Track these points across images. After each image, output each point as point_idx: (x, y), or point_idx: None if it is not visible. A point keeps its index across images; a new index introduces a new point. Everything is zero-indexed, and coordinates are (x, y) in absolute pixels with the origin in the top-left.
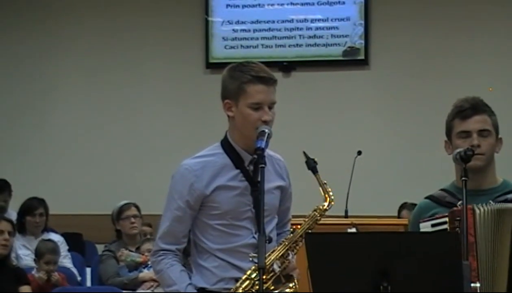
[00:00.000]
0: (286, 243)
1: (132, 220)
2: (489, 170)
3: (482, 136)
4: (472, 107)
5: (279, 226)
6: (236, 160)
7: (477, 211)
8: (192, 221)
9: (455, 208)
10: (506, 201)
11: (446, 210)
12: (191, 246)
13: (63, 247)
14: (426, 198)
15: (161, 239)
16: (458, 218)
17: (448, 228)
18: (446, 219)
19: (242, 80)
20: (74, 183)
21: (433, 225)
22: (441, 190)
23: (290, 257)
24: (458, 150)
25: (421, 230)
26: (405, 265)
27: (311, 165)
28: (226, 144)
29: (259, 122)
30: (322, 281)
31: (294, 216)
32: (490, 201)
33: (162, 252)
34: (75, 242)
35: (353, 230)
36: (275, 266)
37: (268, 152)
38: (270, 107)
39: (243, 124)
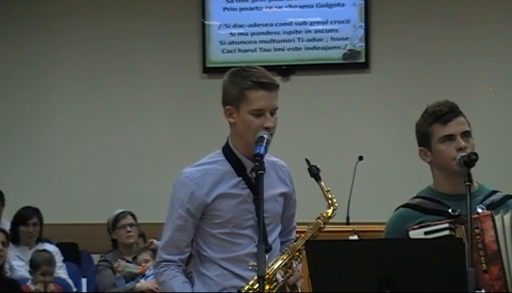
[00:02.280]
0: (289, 252)
1: (128, 229)
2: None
3: (465, 138)
4: (450, 111)
5: (283, 234)
6: (238, 167)
7: (496, 218)
8: (194, 230)
9: (462, 214)
10: (492, 203)
11: (435, 218)
12: (194, 255)
13: (58, 258)
14: (404, 206)
15: (164, 249)
16: (476, 226)
17: (465, 236)
18: (446, 225)
19: (243, 86)
20: (69, 191)
21: (426, 233)
22: (418, 197)
23: (294, 266)
24: (461, 154)
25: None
26: (408, 273)
27: (314, 172)
28: (227, 151)
29: (261, 129)
30: (323, 289)
31: (296, 224)
32: (480, 205)
33: (164, 263)
34: (71, 252)
35: (355, 237)
36: (278, 276)
37: (270, 158)
38: (272, 113)
39: (244, 131)
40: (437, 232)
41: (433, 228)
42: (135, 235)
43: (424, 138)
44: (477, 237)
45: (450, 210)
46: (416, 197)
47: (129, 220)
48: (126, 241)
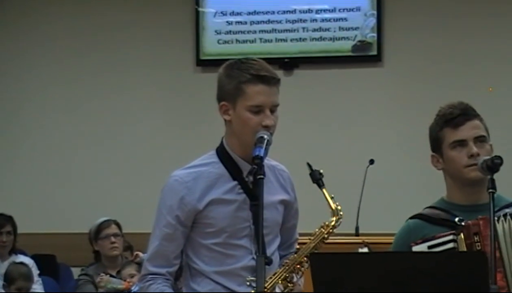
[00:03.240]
0: (289, 264)
1: (112, 239)
2: (486, 181)
3: (479, 143)
4: (463, 113)
5: (284, 247)
6: (233, 170)
7: (497, 224)
8: (184, 239)
9: (469, 222)
10: (506, 216)
11: (440, 229)
12: (184, 269)
13: (34, 271)
14: (414, 217)
15: (150, 261)
16: (476, 232)
17: (465, 245)
18: (451, 237)
19: (240, 79)
20: (46, 197)
21: (430, 247)
22: (429, 207)
23: (295, 280)
24: (484, 158)
25: None
26: (424, 289)
27: (316, 178)
28: (222, 153)
29: (259, 127)
30: None
31: (298, 235)
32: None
33: (150, 276)
34: (47, 265)
35: (365, 249)
36: (278, 290)
37: (270, 161)
38: (272, 111)
39: (241, 130)
40: (441, 246)
41: (437, 241)
42: (119, 247)
43: (435, 144)
44: (477, 244)
45: (457, 219)
46: (427, 207)
47: (113, 229)
48: (110, 253)
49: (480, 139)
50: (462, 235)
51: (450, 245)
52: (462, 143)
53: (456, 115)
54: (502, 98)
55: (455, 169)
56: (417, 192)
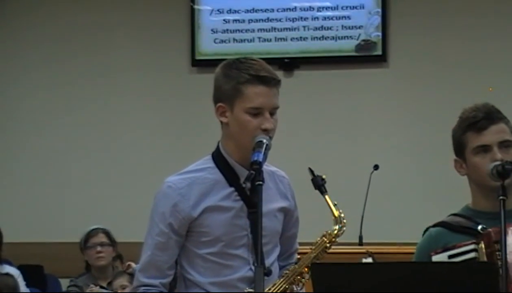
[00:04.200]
0: (289, 275)
1: (98, 248)
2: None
3: (504, 148)
4: (487, 117)
5: (283, 257)
6: (230, 175)
7: None
8: (178, 249)
9: (490, 229)
10: None
11: (461, 237)
12: (178, 280)
13: (20, 282)
14: (436, 225)
15: (142, 272)
16: (497, 241)
17: (485, 254)
18: (472, 246)
19: (239, 80)
20: (33, 205)
21: (450, 256)
22: (453, 214)
23: (295, 290)
24: (494, 163)
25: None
26: None
27: (319, 184)
28: (218, 157)
29: (258, 131)
30: None
31: (298, 245)
32: None
33: (143, 287)
34: (34, 276)
35: (369, 260)
36: None
37: (269, 167)
38: (271, 113)
39: (239, 133)
40: (462, 255)
41: (458, 250)
42: (106, 257)
43: (458, 148)
44: (498, 253)
45: (479, 227)
46: (451, 214)
47: (100, 238)
48: (95, 263)
49: (505, 144)
50: (482, 243)
51: (472, 255)
52: (485, 148)
53: (480, 119)
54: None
55: (478, 176)
56: (425, 200)
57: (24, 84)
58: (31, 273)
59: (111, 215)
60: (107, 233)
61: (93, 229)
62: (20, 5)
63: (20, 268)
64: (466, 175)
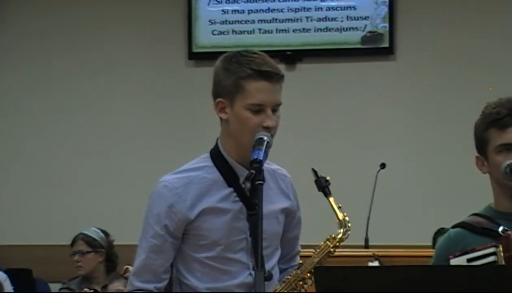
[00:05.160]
0: (291, 281)
1: (76, 257)
2: None
3: None
4: (511, 113)
5: (285, 260)
6: (229, 175)
7: None
8: (174, 252)
9: (510, 232)
10: None
11: (481, 239)
12: (174, 284)
13: (7, 287)
14: (457, 226)
15: (136, 275)
16: None
17: (503, 258)
18: (492, 250)
19: (239, 74)
20: (21, 206)
21: (469, 260)
22: (474, 214)
23: None
24: (508, 162)
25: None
26: None
27: (322, 185)
28: (216, 156)
29: (259, 128)
30: None
31: (301, 247)
32: None
33: (137, 292)
34: (23, 280)
35: (376, 263)
36: None
37: (270, 165)
38: (274, 110)
39: (239, 130)
40: (481, 259)
41: (477, 254)
42: (85, 266)
43: (480, 145)
44: None
45: (500, 229)
46: (472, 214)
47: (78, 246)
48: (76, 272)
49: None
50: (501, 246)
51: (491, 258)
52: (508, 147)
53: (503, 116)
54: None
55: (500, 175)
56: (435, 200)
57: (15, 80)
58: (19, 277)
59: (104, 216)
60: (87, 239)
61: (76, 235)
62: (12, 0)
63: (7, 272)
64: (488, 173)
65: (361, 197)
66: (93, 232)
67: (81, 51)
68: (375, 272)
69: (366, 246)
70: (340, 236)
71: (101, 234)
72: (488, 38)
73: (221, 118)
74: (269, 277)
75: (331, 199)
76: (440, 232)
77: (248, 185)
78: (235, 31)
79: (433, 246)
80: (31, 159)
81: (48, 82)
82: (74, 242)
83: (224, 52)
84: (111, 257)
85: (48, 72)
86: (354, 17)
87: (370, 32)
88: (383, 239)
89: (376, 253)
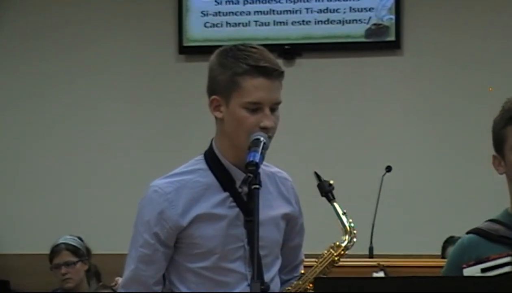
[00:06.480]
0: (292, 292)
1: (63, 270)
2: None
3: None
4: None
5: (286, 270)
6: (225, 179)
7: None
8: (166, 262)
9: None
10: None
11: (498, 247)
12: None
13: None
14: (471, 232)
15: (125, 287)
16: None
17: None
18: (508, 259)
19: (236, 70)
20: None
21: (483, 270)
22: (490, 220)
23: None
24: None
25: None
26: None
27: (325, 189)
28: (211, 158)
29: (256, 128)
30: None
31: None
32: None
33: None
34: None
35: (381, 274)
36: None
37: (269, 168)
38: (272, 109)
39: (234, 130)
40: (496, 268)
41: (491, 264)
42: (74, 277)
43: (497, 143)
44: None
45: None
46: (488, 220)
47: (63, 257)
48: (63, 285)
49: None
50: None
51: (507, 269)
52: None
53: None
54: None
55: None
56: (444, 206)
57: (6, 77)
58: None
59: (88, 223)
60: (72, 248)
61: (56, 245)
62: None
63: None
64: (505, 174)
65: (364, 203)
66: (73, 240)
67: (66, 48)
68: (380, 283)
69: (371, 255)
70: (345, 243)
71: (80, 241)
72: (500, 30)
73: (216, 117)
74: (266, 289)
75: (336, 204)
76: (450, 240)
77: (245, 189)
78: (230, 24)
79: (442, 256)
80: (6, 164)
81: (40, 76)
82: (56, 253)
83: (218, 46)
84: (90, 265)
85: (39, 67)
86: (358, 9)
87: (375, 24)
88: (388, 247)
89: (381, 263)
